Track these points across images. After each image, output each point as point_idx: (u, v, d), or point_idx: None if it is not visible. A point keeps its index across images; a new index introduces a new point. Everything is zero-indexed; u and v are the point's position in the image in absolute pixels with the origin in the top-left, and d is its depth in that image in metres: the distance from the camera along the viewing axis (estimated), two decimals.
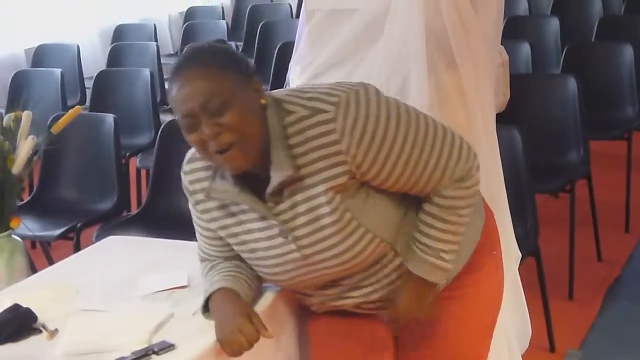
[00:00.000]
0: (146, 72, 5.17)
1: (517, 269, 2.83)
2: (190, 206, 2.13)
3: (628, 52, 5.16)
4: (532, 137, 3.61)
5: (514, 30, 5.95)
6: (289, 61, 2.80)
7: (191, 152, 2.08)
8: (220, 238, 2.10)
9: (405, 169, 1.95)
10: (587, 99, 4.57)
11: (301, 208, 1.95)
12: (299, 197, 1.95)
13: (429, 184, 1.99)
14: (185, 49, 1.98)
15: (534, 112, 4.37)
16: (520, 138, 3.47)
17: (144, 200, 3.93)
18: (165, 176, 3.79)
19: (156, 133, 4.17)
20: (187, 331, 2.02)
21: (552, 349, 3.70)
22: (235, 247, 2.09)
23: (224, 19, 7.74)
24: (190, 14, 7.96)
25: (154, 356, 1.91)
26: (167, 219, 3.62)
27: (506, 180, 2.96)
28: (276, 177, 1.92)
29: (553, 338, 3.70)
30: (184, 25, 7.50)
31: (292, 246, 1.99)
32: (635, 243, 4.87)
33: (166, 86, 2.24)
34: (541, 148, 4.15)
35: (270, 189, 1.94)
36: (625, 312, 4.09)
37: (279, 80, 3.24)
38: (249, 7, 7.86)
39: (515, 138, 3.47)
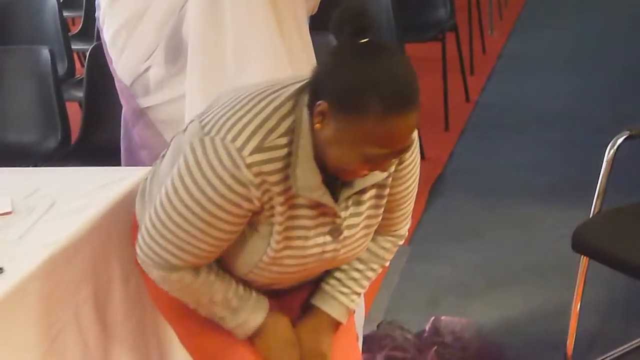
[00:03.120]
0: (52, 0, 4.72)
1: None
2: (227, 199, 1.78)
3: None
4: None
5: None
6: None
7: (257, 141, 1.76)
8: (234, 233, 1.88)
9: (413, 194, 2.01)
10: (401, 4, 4.69)
11: (361, 209, 1.92)
12: (364, 198, 1.91)
13: (402, 216, 2.04)
14: (398, 76, 1.70)
15: None
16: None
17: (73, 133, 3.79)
18: (97, 106, 3.66)
19: (70, 62, 3.97)
20: (14, 255, 2.00)
21: None
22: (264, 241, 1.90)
23: None
24: None
25: None
26: (104, 149, 3.39)
27: None
28: (365, 181, 1.86)
29: None
30: None
31: (335, 245, 1.92)
32: (455, 141, 5.07)
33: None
34: None
35: (352, 191, 1.87)
36: (447, 206, 4.27)
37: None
38: None
39: (332, 44, 3.51)
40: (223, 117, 1.78)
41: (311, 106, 1.74)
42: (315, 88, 1.74)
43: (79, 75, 4.59)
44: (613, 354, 2.97)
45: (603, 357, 2.95)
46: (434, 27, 5.14)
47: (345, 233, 1.91)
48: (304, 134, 1.75)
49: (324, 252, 1.91)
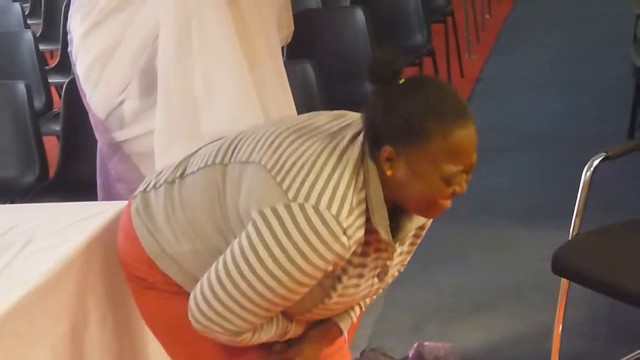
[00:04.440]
0: (29, 34, 4.75)
1: None
2: (319, 267, 1.75)
3: None
4: (325, 71, 3.69)
5: None
6: None
7: (349, 204, 1.74)
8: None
9: None
10: (378, 29, 4.71)
11: (402, 249, 1.96)
12: (406, 239, 1.96)
13: None
14: (446, 92, 1.79)
15: (325, 46, 4.45)
16: (313, 72, 3.54)
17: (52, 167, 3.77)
18: (75, 140, 3.64)
19: (47, 96, 3.98)
20: None
21: None
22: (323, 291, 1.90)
23: None
24: None
25: None
26: (83, 183, 3.33)
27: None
28: (417, 221, 1.91)
29: None
30: None
31: (378, 284, 1.96)
32: None
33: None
34: (335, 81, 4.24)
35: (408, 232, 1.91)
36: (431, 230, 4.21)
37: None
38: None
39: (308, 72, 3.54)
40: (306, 180, 1.73)
41: (375, 155, 1.76)
42: (372, 137, 1.76)
43: (57, 109, 4.58)
44: None
45: None
46: (411, 52, 5.16)
47: (391, 272, 1.96)
48: (373, 180, 1.76)
49: (369, 292, 1.96)
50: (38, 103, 4.46)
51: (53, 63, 5.46)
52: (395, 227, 1.85)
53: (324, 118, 1.89)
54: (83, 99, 2.48)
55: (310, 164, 1.75)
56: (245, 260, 1.75)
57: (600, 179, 2.87)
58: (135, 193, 2.01)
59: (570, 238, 2.82)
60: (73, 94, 3.50)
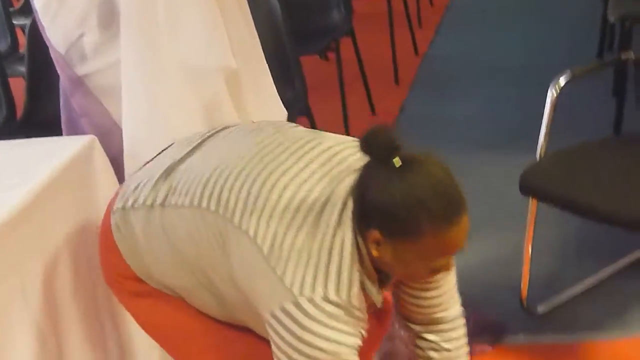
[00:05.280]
0: None
1: None
2: (350, 345, 1.72)
3: None
4: (291, 3, 3.66)
5: None
6: None
7: (355, 283, 1.71)
8: None
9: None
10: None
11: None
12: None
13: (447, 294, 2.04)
14: (441, 188, 1.69)
15: None
16: (278, 4, 3.51)
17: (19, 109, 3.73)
18: (40, 80, 3.58)
19: (12, 38, 3.97)
20: None
21: None
22: None
23: None
24: None
25: None
26: (51, 122, 3.23)
27: (270, 47, 3.00)
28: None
29: None
30: None
31: None
32: (405, 94, 5.08)
33: None
34: (303, 12, 4.21)
35: (388, 285, 1.88)
36: None
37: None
38: None
39: (274, 5, 3.51)
40: (307, 270, 1.68)
41: (362, 232, 1.70)
42: (360, 214, 1.70)
43: (22, 51, 4.54)
44: (568, 294, 3.00)
45: (558, 297, 2.98)
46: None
47: None
48: (363, 254, 1.72)
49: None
50: (3, 45, 4.43)
51: (18, 5, 5.40)
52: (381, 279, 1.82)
53: (311, 154, 1.80)
54: (42, 33, 2.44)
55: (307, 250, 1.69)
56: None
57: (569, 101, 2.88)
58: (114, 208, 1.95)
59: (537, 159, 2.84)
60: (37, 34, 3.45)
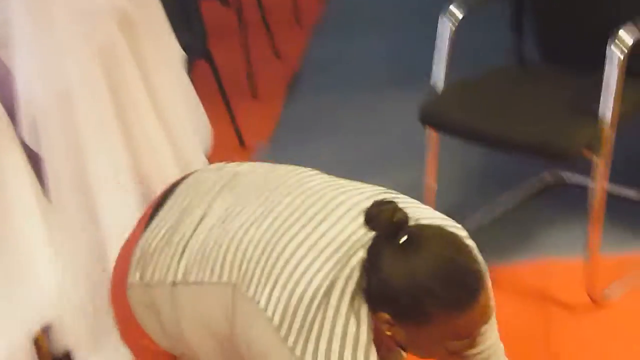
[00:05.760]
0: None
1: (185, 72, 2.87)
2: None
3: None
4: None
5: None
6: None
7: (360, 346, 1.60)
8: None
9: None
10: None
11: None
12: None
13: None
14: (449, 272, 1.54)
15: None
16: None
17: None
18: None
19: None
20: None
21: (242, 144, 3.87)
22: None
23: None
24: None
25: None
26: None
27: None
28: None
29: (242, 135, 3.86)
30: None
31: None
32: (308, 35, 5.07)
33: None
34: None
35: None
36: (307, 103, 4.29)
37: None
38: None
39: None
40: (319, 345, 1.58)
41: (374, 313, 1.59)
42: (369, 295, 1.58)
43: None
44: (472, 223, 3.05)
45: (463, 226, 3.02)
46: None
47: None
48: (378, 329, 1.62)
49: None
50: None
51: None
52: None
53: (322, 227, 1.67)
54: None
55: (320, 326, 1.58)
56: None
57: (469, 37, 2.90)
58: (132, 281, 1.86)
59: (435, 89, 2.87)
60: None
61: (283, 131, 4.01)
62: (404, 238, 1.52)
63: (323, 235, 1.65)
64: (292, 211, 1.71)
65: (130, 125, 2.51)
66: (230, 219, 1.76)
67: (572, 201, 3.04)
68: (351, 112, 4.10)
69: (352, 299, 1.58)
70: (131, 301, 1.86)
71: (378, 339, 1.61)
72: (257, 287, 1.64)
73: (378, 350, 1.62)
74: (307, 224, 1.68)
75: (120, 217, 2.54)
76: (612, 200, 2.90)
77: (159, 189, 2.55)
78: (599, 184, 2.58)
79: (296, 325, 1.59)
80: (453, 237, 1.58)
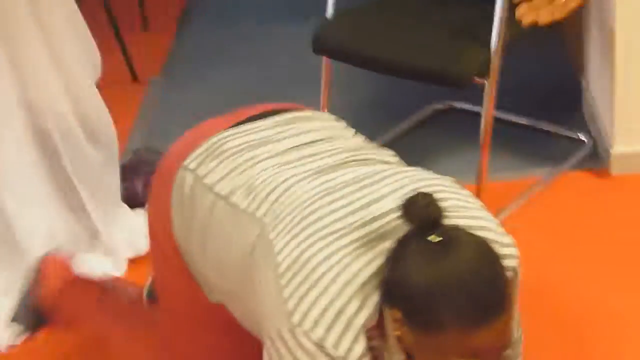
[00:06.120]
0: None
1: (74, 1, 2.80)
2: None
3: None
4: None
5: None
6: None
7: (361, 344, 1.53)
8: None
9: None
10: None
11: None
12: None
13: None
14: (474, 281, 1.45)
15: None
16: None
17: None
18: None
19: None
20: None
21: (135, 77, 3.82)
22: None
23: None
24: None
25: None
26: None
27: None
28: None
29: (134, 68, 3.81)
30: None
31: None
32: None
33: None
34: None
35: None
36: (199, 35, 4.25)
37: None
38: None
39: None
40: (315, 304, 1.52)
41: (387, 307, 1.52)
42: (386, 287, 1.51)
43: None
44: None
45: None
46: None
47: None
48: (387, 326, 1.56)
49: None
50: None
51: None
52: None
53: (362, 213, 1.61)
54: None
55: (319, 293, 1.53)
56: None
57: None
58: (189, 163, 1.83)
59: (327, 17, 2.87)
60: None
61: (175, 63, 3.97)
62: (437, 238, 1.45)
63: (362, 208, 1.61)
64: (346, 180, 1.67)
65: (19, 56, 2.47)
66: (292, 165, 1.75)
67: (462, 128, 3.10)
68: (243, 42, 4.08)
69: (365, 284, 1.52)
70: (176, 183, 1.83)
71: (379, 336, 1.56)
72: (279, 233, 1.61)
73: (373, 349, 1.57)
74: (351, 194, 1.63)
75: (10, 149, 2.50)
76: (502, 127, 2.98)
77: (49, 120, 2.53)
78: (488, 110, 2.63)
79: (298, 279, 1.54)
80: (487, 250, 1.50)
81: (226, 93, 3.62)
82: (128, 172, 2.82)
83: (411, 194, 1.49)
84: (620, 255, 2.57)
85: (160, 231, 1.91)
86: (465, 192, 1.70)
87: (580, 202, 2.82)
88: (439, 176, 1.72)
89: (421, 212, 1.46)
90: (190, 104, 3.56)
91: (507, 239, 1.64)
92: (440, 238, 1.44)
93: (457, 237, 1.46)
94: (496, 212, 2.72)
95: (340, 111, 3.21)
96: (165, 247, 1.90)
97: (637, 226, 2.67)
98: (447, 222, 1.47)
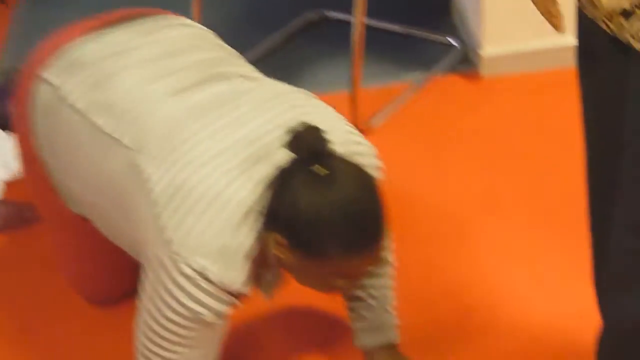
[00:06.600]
0: None
1: None
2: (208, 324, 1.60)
3: None
4: None
5: None
6: None
7: (240, 270, 1.56)
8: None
9: None
10: None
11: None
12: None
13: None
14: (355, 211, 1.50)
15: None
16: None
17: None
18: None
19: None
20: None
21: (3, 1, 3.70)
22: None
23: None
24: None
25: None
26: None
27: None
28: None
29: None
30: None
31: None
32: None
33: None
34: None
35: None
36: None
37: None
38: None
39: None
40: (192, 229, 1.52)
41: (268, 229, 1.54)
42: (271, 215, 1.53)
43: None
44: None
45: None
46: None
47: None
48: (266, 246, 1.57)
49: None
50: None
51: None
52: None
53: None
54: None
55: (197, 218, 1.53)
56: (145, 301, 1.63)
57: None
58: (47, 75, 1.80)
59: None
60: None
61: None
62: (323, 170, 1.49)
63: (231, 131, 1.60)
64: (210, 100, 1.66)
65: None
66: (155, 81, 1.71)
67: (336, 38, 3.11)
68: None
69: (243, 208, 1.53)
70: (33, 95, 1.81)
71: (259, 257, 1.59)
72: (152, 161, 1.59)
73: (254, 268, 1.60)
74: (217, 119, 1.62)
75: None
76: (374, 34, 3.00)
77: None
78: (359, 19, 2.65)
79: (173, 205, 1.54)
80: (369, 181, 1.56)
81: (98, 10, 3.54)
82: None
83: (296, 125, 1.52)
84: (489, 155, 2.65)
85: (24, 143, 1.91)
86: (321, 102, 1.74)
87: (451, 105, 2.88)
88: (295, 89, 1.76)
89: (308, 144, 1.49)
90: (61, 22, 3.47)
91: (375, 159, 1.71)
92: (327, 171, 1.48)
93: (340, 169, 1.51)
94: (369, 119, 2.78)
95: (212, 25, 3.19)
96: (28, 157, 1.91)
97: (506, 126, 2.75)
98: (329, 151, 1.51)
